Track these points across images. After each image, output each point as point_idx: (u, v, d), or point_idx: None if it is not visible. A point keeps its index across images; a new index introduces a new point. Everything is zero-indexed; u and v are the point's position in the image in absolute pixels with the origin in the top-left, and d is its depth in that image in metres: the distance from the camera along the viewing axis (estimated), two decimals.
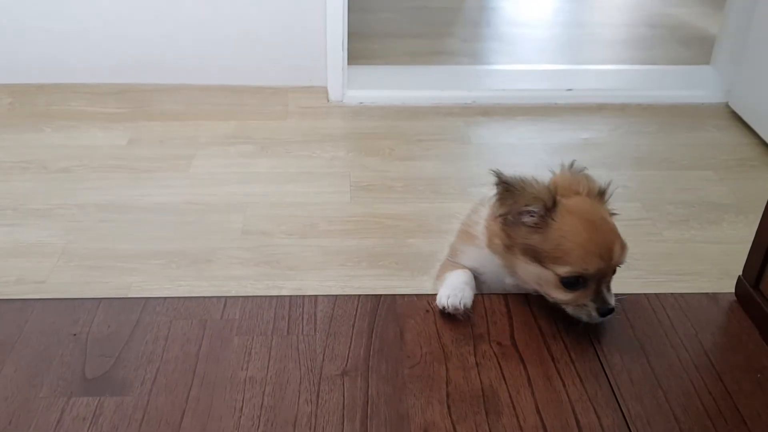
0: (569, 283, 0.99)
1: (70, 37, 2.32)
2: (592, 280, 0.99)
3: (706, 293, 1.16)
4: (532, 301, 1.10)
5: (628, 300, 1.10)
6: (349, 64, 2.42)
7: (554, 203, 0.99)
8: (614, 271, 1.02)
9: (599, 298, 1.00)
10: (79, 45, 2.34)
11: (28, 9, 2.27)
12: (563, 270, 0.98)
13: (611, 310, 1.01)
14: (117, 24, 2.31)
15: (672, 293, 1.14)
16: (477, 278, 1.13)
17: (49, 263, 1.65)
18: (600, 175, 2.06)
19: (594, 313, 1.00)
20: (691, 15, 3.37)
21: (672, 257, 1.72)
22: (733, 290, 1.14)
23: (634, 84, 2.62)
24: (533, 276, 1.03)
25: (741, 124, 2.32)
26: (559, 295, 1.01)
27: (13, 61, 2.35)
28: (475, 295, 1.10)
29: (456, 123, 2.31)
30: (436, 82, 2.53)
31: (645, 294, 1.14)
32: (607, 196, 1.08)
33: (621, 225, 1.83)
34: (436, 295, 1.10)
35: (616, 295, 1.05)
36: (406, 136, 2.23)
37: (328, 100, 2.42)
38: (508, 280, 1.09)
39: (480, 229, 1.09)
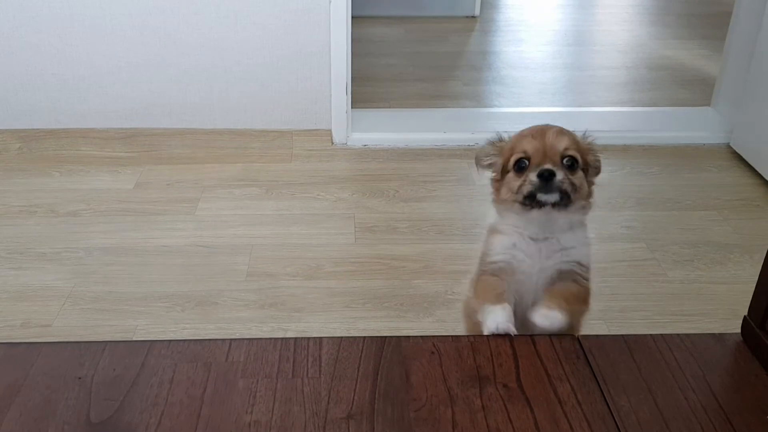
0: (519, 168, 1.14)
1: (80, 83, 2.37)
2: (535, 158, 1.13)
3: (713, 334, 1.15)
4: (537, 342, 1.10)
5: (634, 341, 1.10)
6: (353, 107, 2.45)
7: (501, 140, 1.22)
8: (562, 158, 1.13)
9: (539, 169, 1.11)
10: (88, 91, 2.38)
11: (38, 55, 2.32)
12: (512, 159, 1.15)
13: (550, 172, 1.10)
14: (126, 70, 2.35)
15: (678, 334, 1.14)
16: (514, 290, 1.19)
17: (56, 307, 1.65)
18: (604, 216, 2.08)
19: (534, 177, 1.11)
20: (691, 57, 3.42)
21: (677, 298, 1.72)
22: (739, 330, 1.14)
23: (636, 125, 2.64)
24: (508, 184, 1.16)
25: (743, 164, 2.33)
26: (516, 183, 1.14)
27: (23, 106, 2.39)
28: (480, 337, 1.10)
29: (460, 164, 2.33)
30: (439, 125, 2.56)
31: (651, 335, 1.13)
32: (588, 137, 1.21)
33: (625, 265, 1.84)
34: (441, 336, 1.10)
35: (623, 336, 1.07)
36: (410, 178, 2.25)
37: (333, 143, 2.45)
38: (536, 260, 1.17)
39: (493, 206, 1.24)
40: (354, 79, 2.44)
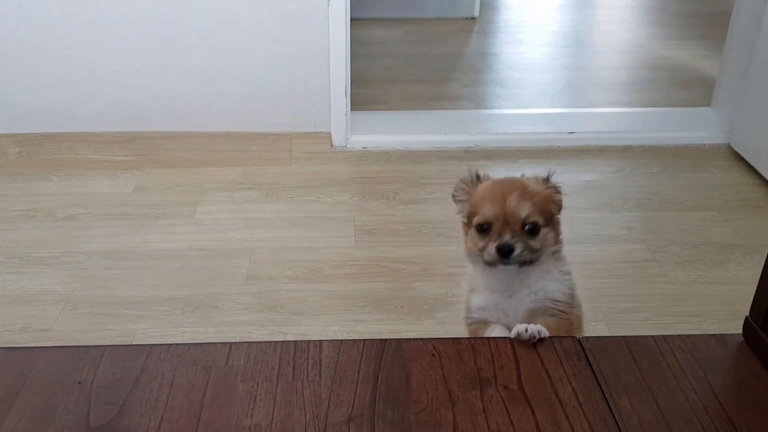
0: (481, 229, 1.15)
1: (78, 87, 2.36)
2: (495, 226, 1.13)
3: (714, 334, 1.15)
4: (538, 344, 1.09)
5: (635, 342, 1.10)
6: (352, 110, 2.45)
7: (478, 179, 1.20)
8: (523, 225, 1.13)
9: (500, 239, 1.12)
10: (86, 95, 2.38)
11: (36, 59, 2.31)
12: (474, 221, 1.15)
13: (509, 247, 1.12)
14: (124, 73, 2.35)
15: (679, 335, 1.13)
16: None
17: (55, 311, 1.65)
18: (604, 217, 2.07)
19: (493, 250, 1.12)
20: (691, 57, 3.42)
21: (678, 298, 1.71)
22: (740, 331, 1.14)
23: (636, 126, 2.64)
24: (470, 239, 1.18)
25: (743, 164, 2.33)
26: (479, 243, 1.15)
27: (21, 111, 2.39)
28: (481, 339, 1.10)
29: (459, 166, 2.33)
30: (438, 127, 2.55)
31: (652, 336, 1.13)
32: (550, 177, 1.21)
33: (626, 266, 1.83)
34: (441, 338, 1.10)
35: (624, 337, 1.07)
36: (410, 180, 2.24)
37: (332, 146, 2.44)
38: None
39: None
40: (353, 81, 2.43)
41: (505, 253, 1.11)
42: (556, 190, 1.20)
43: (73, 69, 2.34)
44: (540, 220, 1.13)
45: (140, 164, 2.32)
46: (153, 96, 2.39)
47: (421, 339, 1.11)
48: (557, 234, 1.19)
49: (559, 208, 1.20)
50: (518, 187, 1.15)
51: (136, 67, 2.34)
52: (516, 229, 1.12)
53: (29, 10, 2.24)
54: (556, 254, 1.19)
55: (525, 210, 1.12)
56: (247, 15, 2.29)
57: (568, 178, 2.27)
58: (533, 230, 1.13)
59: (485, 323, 1.20)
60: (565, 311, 1.19)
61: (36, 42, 2.29)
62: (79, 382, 1.01)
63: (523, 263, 1.13)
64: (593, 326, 1.53)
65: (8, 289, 1.73)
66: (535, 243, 1.13)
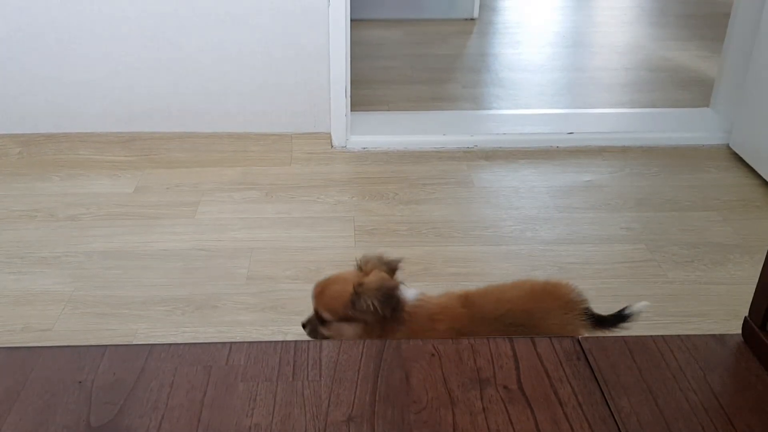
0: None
1: (79, 88, 2.37)
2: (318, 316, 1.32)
3: (713, 335, 1.15)
4: (538, 344, 1.10)
5: (634, 342, 1.10)
6: (352, 110, 2.45)
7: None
8: (320, 317, 1.31)
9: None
10: (87, 95, 2.38)
11: (37, 60, 2.32)
12: None
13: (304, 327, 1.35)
14: (124, 74, 2.35)
15: (679, 335, 1.14)
16: None
17: (55, 311, 1.65)
18: (604, 218, 2.08)
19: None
20: (690, 58, 3.43)
21: (678, 299, 1.72)
22: (740, 331, 1.14)
23: (635, 127, 2.64)
24: None
25: (742, 165, 2.34)
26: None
27: (22, 111, 2.39)
28: (480, 339, 1.10)
29: (459, 167, 2.34)
30: (438, 127, 2.56)
31: (652, 336, 1.13)
32: (395, 268, 1.36)
33: (625, 267, 1.84)
34: (442, 339, 1.10)
35: (623, 337, 1.09)
36: (410, 181, 2.25)
37: (332, 146, 2.45)
38: None
39: None
40: (353, 81, 2.44)
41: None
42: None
43: (74, 69, 2.34)
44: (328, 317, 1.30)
45: (141, 164, 2.32)
46: (154, 96, 2.40)
47: (421, 339, 1.12)
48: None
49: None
50: (330, 285, 1.33)
51: (136, 68, 2.35)
52: (323, 319, 1.32)
53: (30, 10, 2.25)
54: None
55: (320, 306, 1.32)
56: (247, 16, 2.30)
57: (567, 178, 2.29)
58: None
59: None
60: None
61: (37, 42, 2.29)
62: (80, 382, 1.02)
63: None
64: None
65: (9, 289, 1.73)
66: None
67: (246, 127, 2.45)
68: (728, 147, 2.44)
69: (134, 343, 1.54)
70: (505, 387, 1.02)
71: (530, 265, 1.83)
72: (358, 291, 1.25)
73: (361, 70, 3.07)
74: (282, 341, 1.12)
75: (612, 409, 0.99)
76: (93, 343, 1.54)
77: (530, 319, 1.26)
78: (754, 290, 1.12)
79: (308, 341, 1.11)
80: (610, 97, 3.04)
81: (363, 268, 1.33)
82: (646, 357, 1.08)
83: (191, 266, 1.82)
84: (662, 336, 1.13)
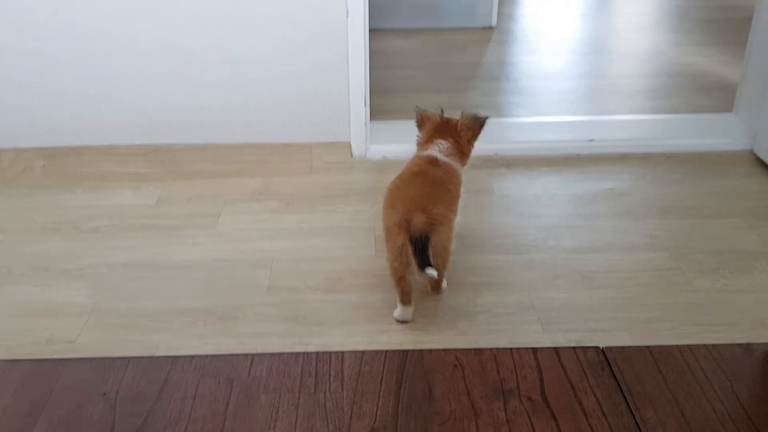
0: None
1: (101, 101, 2.40)
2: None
3: (740, 344, 1.13)
4: (561, 354, 1.09)
5: (660, 352, 1.09)
6: (371, 119, 2.46)
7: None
8: None
9: None
10: (109, 108, 2.41)
11: (60, 74, 2.35)
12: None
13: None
14: (147, 87, 2.38)
15: (705, 344, 1.12)
16: None
17: (79, 323, 1.67)
18: (627, 225, 2.06)
19: None
20: (711, 63, 3.39)
21: (703, 307, 1.69)
22: (767, 340, 1.12)
23: (657, 133, 2.62)
24: None
25: (767, 171, 2.30)
26: None
27: (46, 124, 2.42)
28: (503, 349, 1.09)
29: (479, 175, 2.33)
30: None
31: (677, 345, 1.12)
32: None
33: (650, 275, 1.82)
34: (463, 349, 1.09)
35: (648, 347, 1.04)
36: None
37: (352, 155, 2.45)
38: None
39: None
40: (372, 91, 2.44)
41: None
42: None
43: (97, 83, 2.37)
44: None
45: (163, 176, 2.34)
46: (175, 109, 2.42)
47: (444, 349, 1.11)
48: None
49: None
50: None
51: (158, 80, 2.37)
52: None
53: (54, 25, 2.28)
54: None
55: None
56: (267, 28, 2.31)
57: (589, 185, 2.27)
58: None
59: None
60: None
61: (60, 57, 2.33)
62: (104, 394, 1.02)
63: None
64: (617, 336, 1.51)
65: (34, 301, 1.75)
66: None
67: (266, 138, 2.47)
68: (752, 153, 2.41)
69: (156, 354, 1.55)
70: (528, 398, 1.01)
71: (553, 274, 1.82)
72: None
73: (380, 79, 3.08)
74: (303, 353, 1.12)
75: (637, 420, 0.98)
76: (116, 354, 1.55)
77: None
78: None
79: (329, 352, 1.11)
80: (631, 104, 3.02)
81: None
82: (672, 367, 1.07)
83: (213, 277, 1.83)
84: (688, 345, 1.12)
